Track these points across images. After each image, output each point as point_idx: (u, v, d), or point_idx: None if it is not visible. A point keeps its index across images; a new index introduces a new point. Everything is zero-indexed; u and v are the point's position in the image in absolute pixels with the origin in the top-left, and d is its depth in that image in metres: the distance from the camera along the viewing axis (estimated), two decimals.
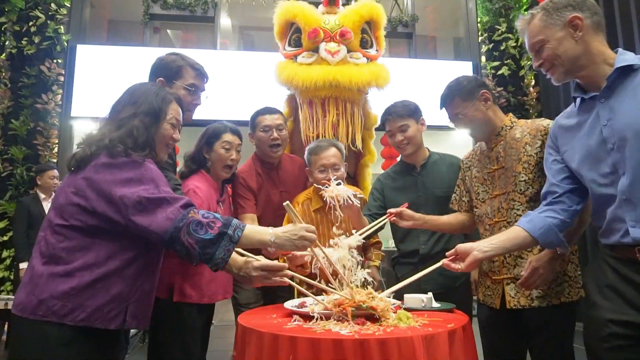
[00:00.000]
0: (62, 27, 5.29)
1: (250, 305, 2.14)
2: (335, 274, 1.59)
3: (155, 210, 1.19)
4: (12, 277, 4.40)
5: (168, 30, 7.19)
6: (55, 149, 5.12)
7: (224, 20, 6.89)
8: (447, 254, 1.45)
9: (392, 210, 1.86)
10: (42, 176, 4.06)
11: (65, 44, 5.37)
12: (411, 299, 1.64)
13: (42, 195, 4.04)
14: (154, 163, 1.32)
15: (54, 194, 3.16)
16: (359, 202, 1.88)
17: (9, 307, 2.78)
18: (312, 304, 1.51)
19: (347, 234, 1.83)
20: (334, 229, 1.81)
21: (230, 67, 5.64)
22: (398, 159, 2.36)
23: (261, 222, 2.18)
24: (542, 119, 1.72)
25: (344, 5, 2.83)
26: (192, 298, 1.75)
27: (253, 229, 1.32)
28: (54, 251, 1.21)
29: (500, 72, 5.77)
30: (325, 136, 2.53)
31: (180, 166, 2.06)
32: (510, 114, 1.81)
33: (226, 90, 5.27)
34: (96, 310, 1.19)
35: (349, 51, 2.62)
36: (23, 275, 1.25)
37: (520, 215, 1.54)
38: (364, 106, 2.78)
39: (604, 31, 1.30)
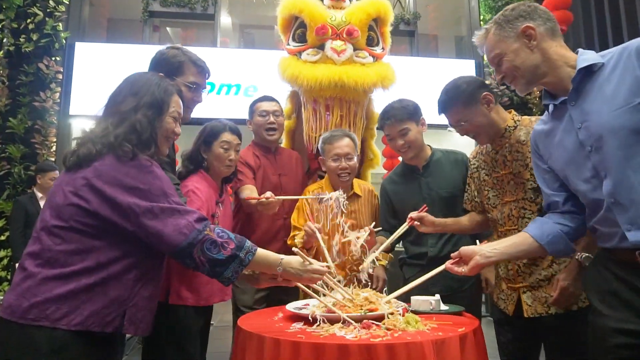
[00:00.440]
0: (60, 24, 5.24)
1: (254, 307, 2.12)
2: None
3: (167, 220, 1.18)
4: (9, 277, 4.37)
5: (168, 28, 7.16)
6: (54, 148, 5.07)
7: (224, 18, 6.86)
8: (451, 255, 1.40)
9: (413, 215, 1.79)
10: (43, 176, 4.02)
11: (64, 42, 5.33)
12: (418, 301, 1.59)
13: (39, 195, 4.00)
14: (159, 165, 1.28)
15: None
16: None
17: None
18: (315, 306, 1.46)
19: (357, 227, 1.87)
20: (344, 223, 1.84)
21: (231, 65, 5.61)
22: (400, 158, 2.31)
23: None
24: None
25: None
26: (189, 300, 1.72)
27: (264, 254, 1.32)
28: (50, 254, 1.15)
29: None
30: None
31: (178, 165, 2.01)
32: (513, 111, 1.72)
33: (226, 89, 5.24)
34: (93, 314, 1.13)
35: (355, 49, 2.58)
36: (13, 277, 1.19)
37: None
38: (368, 106, 2.74)
39: (561, 35, 1.28)
